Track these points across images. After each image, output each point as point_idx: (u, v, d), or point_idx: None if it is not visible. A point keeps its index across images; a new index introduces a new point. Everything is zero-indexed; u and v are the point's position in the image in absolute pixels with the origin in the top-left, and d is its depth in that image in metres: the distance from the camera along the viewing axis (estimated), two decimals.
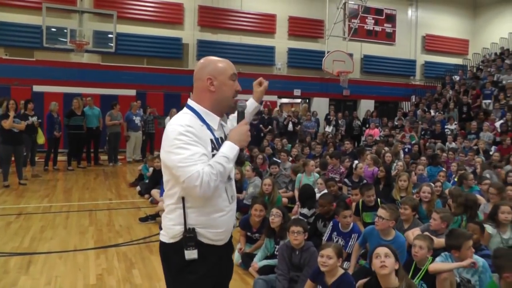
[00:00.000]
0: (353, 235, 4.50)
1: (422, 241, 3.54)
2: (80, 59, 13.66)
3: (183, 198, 2.02)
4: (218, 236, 2.11)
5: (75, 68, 13.94)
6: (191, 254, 2.01)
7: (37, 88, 13.45)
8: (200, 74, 2.13)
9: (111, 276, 4.31)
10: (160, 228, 2.21)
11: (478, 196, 6.00)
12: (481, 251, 3.99)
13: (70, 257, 4.81)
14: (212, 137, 2.07)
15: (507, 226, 4.38)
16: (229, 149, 2.04)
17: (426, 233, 4.13)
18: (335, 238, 4.53)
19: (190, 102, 2.15)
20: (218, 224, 2.09)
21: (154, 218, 6.25)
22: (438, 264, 3.47)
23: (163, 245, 2.12)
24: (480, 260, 3.57)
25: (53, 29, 12.59)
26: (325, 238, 4.66)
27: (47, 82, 13.51)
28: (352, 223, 4.60)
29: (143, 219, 6.31)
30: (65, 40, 12.60)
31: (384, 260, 2.99)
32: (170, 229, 2.06)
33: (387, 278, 3.02)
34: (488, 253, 4.12)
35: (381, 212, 4.08)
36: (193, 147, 1.94)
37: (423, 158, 8.91)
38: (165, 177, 2.11)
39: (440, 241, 4.17)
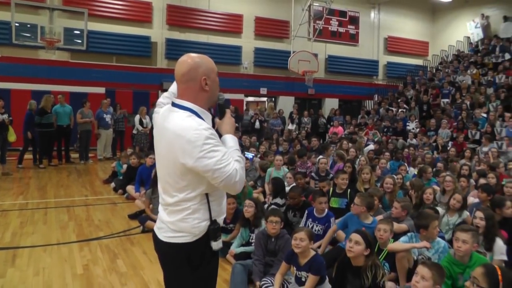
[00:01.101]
0: (331, 219, 5.03)
1: (386, 225, 4.02)
2: (50, 57, 13.55)
3: (206, 195, 2.11)
4: (222, 222, 2.25)
5: (43, 65, 13.82)
6: (218, 244, 2.13)
7: (3, 85, 13.22)
8: (194, 75, 2.10)
9: (96, 266, 4.57)
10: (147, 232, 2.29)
11: (434, 187, 6.61)
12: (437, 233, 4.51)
13: (54, 250, 5.02)
14: None
15: (455, 212, 4.97)
16: (234, 141, 2.17)
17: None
18: (310, 224, 4.98)
19: (185, 103, 2.11)
20: (224, 210, 2.27)
21: (142, 214, 6.45)
22: (396, 244, 3.95)
23: (184, 245, 2.11)
24: (441, 242, 4.07)
25: (22, 26, 12.44)
26: (301, 225, 5.09)
27: (14, 79, 13.33)
28: (326, 210, 5.08)
29: (132, 216, 6.48)
30: (35, 37, 12.49)
31: (352, 246, 3.46)
32: (196, 228, 2.09)
33: (354, 258, 3.50)
34: (443, 235, 4.67)
35: (356, 200, 4.65)
36: (221, 147, 2.02)
37: (386, 153, 9.49)
38: (181, 183, 2.08)
39: (400, 226, 4.70)
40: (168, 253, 2.18)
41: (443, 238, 4.44)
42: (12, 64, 13.36)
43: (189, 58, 2.13)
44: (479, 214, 4.14)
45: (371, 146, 11.27)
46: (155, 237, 2.24)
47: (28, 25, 12.65)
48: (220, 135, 2.18)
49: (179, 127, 2.02)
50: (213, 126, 2.20)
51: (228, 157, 2.02)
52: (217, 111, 2.27)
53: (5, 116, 9.43)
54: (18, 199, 7.49)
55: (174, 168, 2.07)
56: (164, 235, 2.16)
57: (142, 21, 15.53)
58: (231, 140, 2.17)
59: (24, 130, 10.33)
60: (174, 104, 2.14)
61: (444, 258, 3.73)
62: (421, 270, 2.97)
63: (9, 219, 6.26)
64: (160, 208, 2.26)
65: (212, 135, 2.00)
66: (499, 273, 2.63)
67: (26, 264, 4.57)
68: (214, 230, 2.12)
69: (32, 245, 5.16)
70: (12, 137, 9.71)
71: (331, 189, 6.02)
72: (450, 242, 4.21)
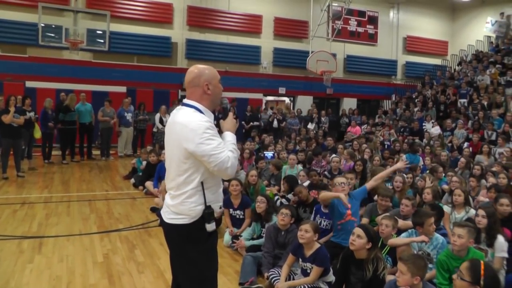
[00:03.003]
0: None
1: (387, 221, 4.20)
2: (74, 57, 14.01)
3: (202, 182, 2.48)
4: (218, 209, 2.62)
5: (67, 65, 14.29)
6: (212, 226, 2.50)
7: (29, 84, 13.77)
8: (198, 81, 2.56)
9: (116, 255, 4.87)
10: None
11: (444, 186, 6.73)
12: (439, 230, 4.66)
13: (77, 240, 5.35)
14: None
15: (461, 207, 5.10)
16: (233, 138, 2.61)
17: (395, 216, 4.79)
18: (318, 220, 5.18)
19: (191, 102, 2.57)
20: (220, 199, 2.64)
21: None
22: (396, 239, 4.14)
23: (183, 226, 2.49)
24: (440, 238, 4.22)
25: (48, 28, 12.93)
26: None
27: (40, 78, 13.83)
28: None
29: (154, 209, 6.82)
30: (59, 38, 12.97)
31: (354, 239, 3.64)
32: (193, 210, 2.48)
33: (357, 251, 3.68)
34: (445, 232, 4.81)
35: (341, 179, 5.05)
36: (217, 138, 2.45)
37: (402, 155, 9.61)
38: (183, 166, 2.47)
39: (406, 223, 4.84)
40: (170, 232, 2.60)
41: (445, 235, 4.58)
42: (38, 64, 13.88)
43: (196, 69, 2.62)
44: (480, 212, 4.27)
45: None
46: (161, 219, 2.66)
47: (53, 27, 13.15)
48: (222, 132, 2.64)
49: (185, 119, 2.48)
50: (217, 125, 2.63)
51: (222, 146, 2.44)
52: (223, 113, 2.69)
53: (32, 113, 9.86)
54: (43, 193, 7.88)
55: (178, 154, 2.49)
56: (167, 217, 2.57)
57: (163, 22, 15.89)
58: (229, 135, 2.61)
59: (41, 127, 10.72)
60: (183, 103, 2.62)
61: (442, 252, 3.89)
62: (399, 265, 3.21)
63: (36, 210, 6.63)
64: (166, 195, 2.64)
65: (211, 127, 2.45)
66: (482, 268, 2.80)
67: (51, 251, 4.90)
68: (208, 214, 2.49)
69: (56, 234, 5.51)
70: (37, 133, 10.18)
71: None
72: None
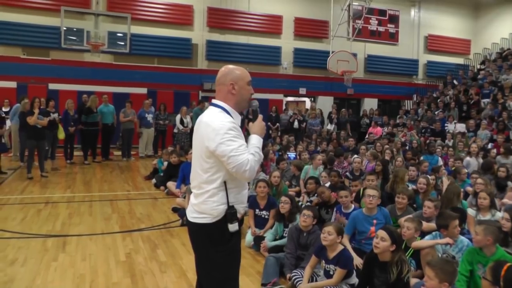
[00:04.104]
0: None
1: (410, 223, 4.12)
2: (95, 59, 14.22)
3: (225, 182, 2.47)
4: (243, 209, 2.64)
5: (88, 67, 14.52)
6: (234, 227, 2.49)
7: (52, 86, 14.05)
8: (224, 80, 2.59)
9: (138, 255, 4.90)
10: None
11: (468, 188, 6.58)
12: (463, 234, 4.55)
13: (99, 239, 5.40)
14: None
15: (486, 210, 4.98)
16: (258, 141, 2.56)
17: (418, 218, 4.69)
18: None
19: (218, 102, 2.59)
20: (244, 200, 2.63)
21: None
22: (420, 242, 4.06)
23: (205, 225, 2.50)
24: (465, 240, 4.12)
25: (70, 31, 13.15)
26: (332, 220, 5.25)
27: (62, 81, 14.10)
28: (353, 206, 5.28)
29: (175, 209, 6.87)
30: (81, 41, 13.17)
31: (378, 242, 3.57)
32: (215, 210, 2.47)
33: (381, 254, 3.61)
34: (470, 236, 4.69)
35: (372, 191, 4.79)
36: (240, 139, 2.43)
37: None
38: (206, 165, 2.49)
39: (429, 225, 4.75)
40: (193, 231, 2.60)
41: (470, 239, 4.47)
42: (61, 67, 14.15)
43: (226, 68, 2.65)
44: (505, 215, 4.20)
45: None
46: (186, 219, 2.67)
47: (75, 30, 13.35)
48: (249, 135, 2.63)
49: (209, 118, 2.50)
50: (242, 126, 2.62)
51: (243, 148, 2.42)
52: (252, 115, 2.66)
53: (56, 115, 10.03)
54: (66, 192, 8.00)
55: (201, 152, 2.51)
56: (191, 216, 2.59)
57: (183, 23, 15.99)
58: (255, 138, 2.58)
59: (64, 128, 10.86)
60: (211, 103, 2.64)
61: (471, 247, 3.84)
62: (427, 270, 3.13)
63: (59, 210, 6.73)
64: (191, 196, 2.64)
65: (234, 128, 2.44)
66: (504, 269, 2.78)
67: (75, 250, 4.96)
68: (230, 214, 2.47)
69: (79, 234, 5.57)
70: (61, 134, 10.36)
71: (362, 189, 6.08)
72: None
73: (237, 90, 2.59)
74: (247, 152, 2.43)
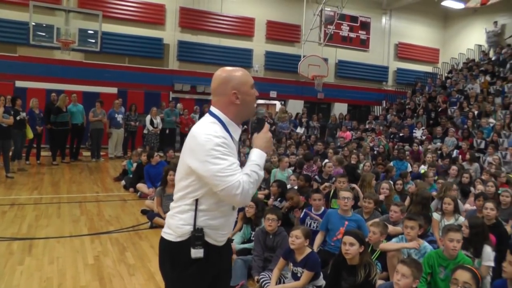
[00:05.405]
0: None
1: (375, 227, 4.27)
2: (65, 57, 13.93)
3: (196, 201, 2.11)
4: (221, 238, 2.22)
5: (58, 65, 14.20)
6: (197, 252, 2.09)
7: (19, 84, 13.66)
8: (224, 89, 2.18)
9: (107, 257, 4.87)
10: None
11: (434, 193, 6.82)
12: (427, 237, 4.74)
13: (67, 242, 5.33)
14: (235, 147, 2.17)
15: (450, 215, 5.19)
16: (259, 157, 2.16)
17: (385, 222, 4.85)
18: (309, 221, 5.23)
19: (215, 111, 2.20)
20: (223, 227, 2.21)
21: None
22: (387, 244, 4.20)
23: (168, 243, 2.17)
24: (428, 247, 4.30)
25: (39, 27, 12.84)
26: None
27: (30, 78, 13.72)
28: (323, 208, 5.40)
29: (145, 211, 6.82)
30: (51, 38, 12.88)
31: (348, 248, 3.66)
32: (179, 229, 2.13)
33: (350, 258, 3.70)
34: (434, 239, 4.89)
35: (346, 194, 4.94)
36: (230, 157, 2.04)
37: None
38: (184, 182, 2.14)
39: (396, 229, 4.92)
40: (159, 247, 2.27)
41: (434, 241, 4.66)
42: (29, 63, 13.76)
43: (223, 72, 2.22)
44: (465, 222, 4.39)
45: None
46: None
47: (45, 26, 13.03)
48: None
49: (197, 129, 2.13)
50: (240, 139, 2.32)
51: (235, 168, 2.03)
52: (256, 125, 2.30)
53: (24, 114, 9.79)
54: (33, 194, 7.83)
55: (182, 166, 2.18)
56: (163, 230, 2.27)
57: (155, 23, 15.85)
58: (256, 154, 2.18)
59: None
60: (208, 111, 2.26)
61: (432, 251, 4.02)
62: (401, 268, 3.22)
63: (25, 212, 6.59)
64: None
65: (223, 144, 2.05)
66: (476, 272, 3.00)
67: (42, 253, 4.88)
68: (195, 237, 2.10)
69: (46, 236, 5.48)
70: (30, 134, 10.11)
71: (332, 191, 6.28)
72: None
73: (241, 98, 2.18)
74: (240, 172, 2.05)
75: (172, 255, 2.16)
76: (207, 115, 2.23)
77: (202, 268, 2.15)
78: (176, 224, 2.14)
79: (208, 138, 2.04)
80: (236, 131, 2.22)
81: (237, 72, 2.22)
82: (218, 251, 2.20)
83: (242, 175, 2.04)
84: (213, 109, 2.22)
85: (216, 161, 2.01)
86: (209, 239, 2.14)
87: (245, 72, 2.25)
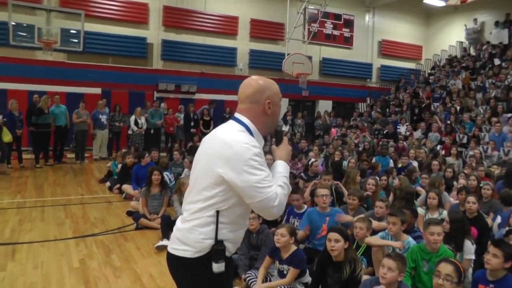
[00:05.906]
0: None
1: (361, 223, 4.31)
2: (47, 57, 13.72)
3: (217, 212, 2.00)
4: (234, 249, 2.15)
5: (40, 65, 13.98)
6: (220, 267, 1.99)
7: (0, 85, 13.46)
8: (259, 97, 2.10)
9: (92, 260, 4.83)
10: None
11: (418, 188, 6.90)
12: (413, 233, 4.80)
13: (52, 246, 5.27)
14: None
15: (435, 209, 5.27)
16: (286, 169, 2.10)
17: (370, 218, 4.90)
18: (292, 220, 5.27)
19: (243, 119, 2.10)
20: (239, 240, 2.16)
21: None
22: (373, 239, 4.25)
23: (186, 261, 2.03)
24: (411, 242, 4.34)
25: (19, 27, 12.61)
26: (283, 222, 5.37)
27: (11, 79, 13.48)
28: (305, 206, 5.44)
29: (129, 212, 6.79)
30: (32, 38, 12.67)
31: (333, 245, 3.69)
32: (200, 243, 2.01)
33: (336, 254, 3.73)
34: (420, 234, 4.95)
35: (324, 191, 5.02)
36: (266, 168, 1.97)
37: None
38: (209, 193, 2.00)
39: (381, 224, 4.97)
40: (172, 265, 2.13)
41: (420, 237, 4.72)
42: (9, 64, 13.49)
43: (260, 80, 2.16)
44: (446, 217, 4.46)
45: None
46: (167, 253, 2.17)
47: (25, 26, 12.79)
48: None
49: (230, 137, 2.01)
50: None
51: (271, 180, 1.97)
52: (275, 137, 2.25)
53: (0, 117, 9.58)
54: (16, 198, 7.71)
55: (208, 175, 2.02)
56: (171, 246, 2.12)
57: (138, 22, 15.72)
58: (281, 166, 2.11)
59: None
60: (233, 117, 2.15)
61: (415, 245, 4.09)
62: (387, 262, 3.27)
63: (8, 216, 6.49)
64: (179, 218, 2.19)
65: (260, 154, 1.97)
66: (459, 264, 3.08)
67: (25, 258, 4.82)
68: (217, 251, 1.99)
69: (30, 241, 5.41)
70: (7, 137, 9.87)
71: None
72: None
73: (273, 109, 2.13)
74: (275, 183, 1.98)
75: (192, 273, 2.04)
76: (232, 122, 2.13)
77: (225, 281, 2.09)
78: (196, 239, 2.01)
79: (246, 147, 1.95)
80: (261, 142, 2.12)
81: (271, 82, 2.17)
82: (230, 262, 2.12)
83: (277, 187, 1.97)
84: (240, 116, 2.12)
85: (255, 171, 1.92)
86: (227, 252, 2.06)
87: (275, 83, 2.21)
